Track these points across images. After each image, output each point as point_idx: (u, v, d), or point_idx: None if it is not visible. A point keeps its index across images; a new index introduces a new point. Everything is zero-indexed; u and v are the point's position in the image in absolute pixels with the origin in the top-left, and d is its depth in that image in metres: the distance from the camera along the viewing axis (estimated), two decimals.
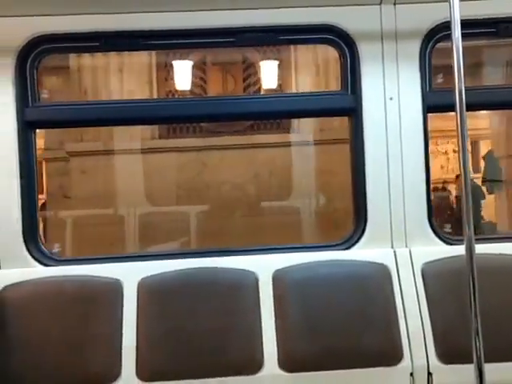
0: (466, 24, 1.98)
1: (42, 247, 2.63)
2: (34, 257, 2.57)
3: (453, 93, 1.94)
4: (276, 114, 2.87)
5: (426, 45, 2.62)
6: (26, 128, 2.59)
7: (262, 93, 6.14)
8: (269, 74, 6.06)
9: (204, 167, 6.01)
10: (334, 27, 2.60)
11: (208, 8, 2.54)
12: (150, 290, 2.48)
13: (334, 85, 5.92)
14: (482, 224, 6.48)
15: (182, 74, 5.92)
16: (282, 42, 2.72)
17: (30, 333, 2.39)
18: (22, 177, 2.56)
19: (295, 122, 6.14)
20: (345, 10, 2.57)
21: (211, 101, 2.99)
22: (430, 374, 2.38)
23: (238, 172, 5.94)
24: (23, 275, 2.50)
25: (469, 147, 1.97)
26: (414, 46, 2.61)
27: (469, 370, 1.93)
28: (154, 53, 5.82)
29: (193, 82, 6.11)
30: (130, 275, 2.50)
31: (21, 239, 2.56)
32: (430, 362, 2.39)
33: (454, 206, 7.83)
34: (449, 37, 1.97)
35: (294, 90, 6.26)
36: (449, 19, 1.96)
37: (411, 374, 2.38)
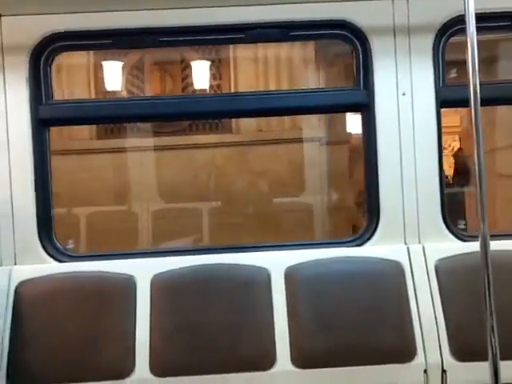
0: (480, 18, 1.96)
1: (57, 243, 2.66)
2: (48, 253, 2.60)
3: (466, 88, 1.92)
4: (288, 110, 2.85)
5: (439, 39, 2.60)
6: (40, 126, 2.61)
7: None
8: (203, 73, 6.12)
9: (142, 167, 6.05)
10: (346, 22, 2.58)
11: (221, 4, 2.54)
12: (163, 286, 2.49)
13: (275, 83, 5.99)
14: None
15: (113, 74, 5.92)
16: (293, 38, 2.72)
17: (45, 328, 2.41)
18: (36, 174, 2.59)
19: (234, 122, 6.17)
20: (357, 5, 2.55)
21: (223, 97, 3.00)
22: (444, 371, 2.37)
23: (176, 171, 5.95)
24: (38, 271, 2.52)
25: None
26: (427, 41, 2.58)
27: (483, 367, 1.91)
28: (91, 53, 5.77)
29: (130, 82, 6.13)
30: (143, 271, 2.51)
31: (36, 235, 2.58)
32: (444, 360, 2.37)
33: None
34: (463, 31, 1.95)
35: (232, 90, 6.26)
36: (463, 13, 1.94)
37: (425, 371, 2.37)
